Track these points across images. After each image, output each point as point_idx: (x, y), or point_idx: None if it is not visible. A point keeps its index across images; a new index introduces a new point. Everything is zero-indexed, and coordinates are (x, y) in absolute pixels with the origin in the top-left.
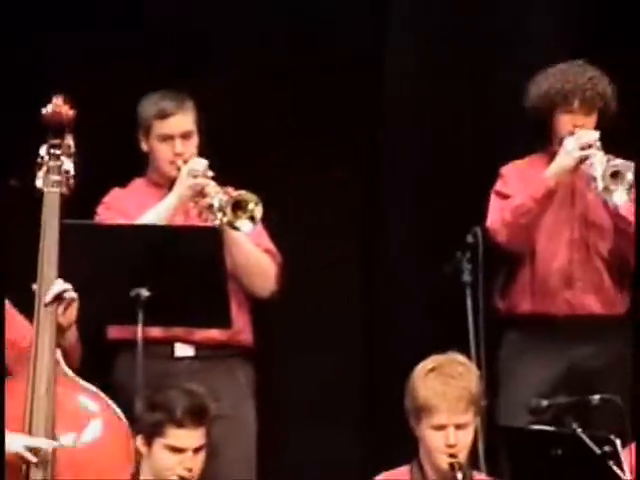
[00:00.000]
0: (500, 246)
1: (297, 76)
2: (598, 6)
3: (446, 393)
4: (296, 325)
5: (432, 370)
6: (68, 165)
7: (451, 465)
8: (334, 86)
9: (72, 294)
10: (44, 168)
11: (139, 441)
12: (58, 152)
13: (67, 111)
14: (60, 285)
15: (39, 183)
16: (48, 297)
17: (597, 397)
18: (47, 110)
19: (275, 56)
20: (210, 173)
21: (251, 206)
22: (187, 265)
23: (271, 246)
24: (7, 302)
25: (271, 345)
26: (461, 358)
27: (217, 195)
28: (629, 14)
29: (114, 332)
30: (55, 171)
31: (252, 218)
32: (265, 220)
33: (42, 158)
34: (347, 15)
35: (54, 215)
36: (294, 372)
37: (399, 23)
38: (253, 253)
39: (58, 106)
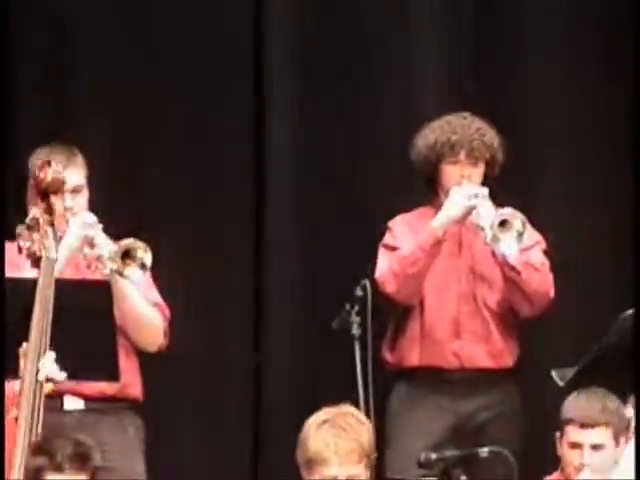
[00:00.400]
0: (389, 298)
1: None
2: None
3: (338, 446)
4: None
5: (324, 422)
6: None
7: None
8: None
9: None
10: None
11: None
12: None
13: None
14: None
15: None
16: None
17: (486, 450)
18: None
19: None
20: (99, 225)
21: (140, 253)
22: (76, 318)
23: (160, 300)
24: None
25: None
26: (353, 410)
27: (106, 245)
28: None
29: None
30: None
31: (142, 265)
32: (155, 274)
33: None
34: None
35: None
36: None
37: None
38: (142, 307)
39: (57, 172)
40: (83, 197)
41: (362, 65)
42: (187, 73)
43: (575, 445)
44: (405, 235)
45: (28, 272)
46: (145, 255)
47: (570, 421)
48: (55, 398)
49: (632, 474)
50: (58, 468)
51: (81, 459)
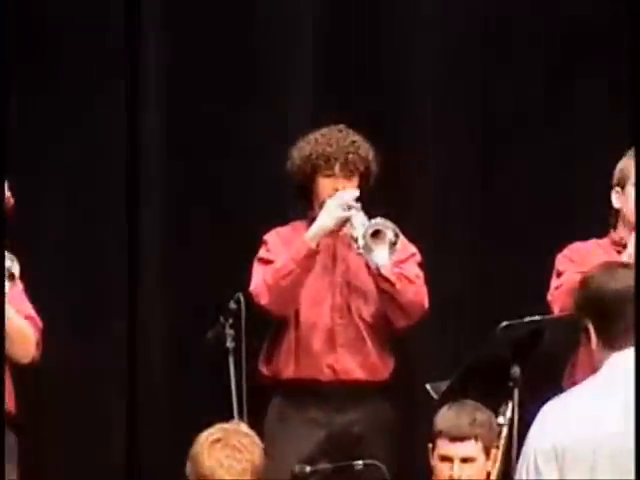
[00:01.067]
0: (264, 310)
1: None
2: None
3: (232, 466)
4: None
5: (218, 441)
6: None
7: None
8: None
9: None
10: None
11: None
12: None
13: None
14: None
15: None
16: None
17: (361, 463)
18: None
19: None
20: None
21: (8, 264)
22: None
23: (32, 312)
24: None
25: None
26: (245, 429)
27: None
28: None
29: None
30: None
31: (11, 276)
32: (25, 286)
33: None
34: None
35: None
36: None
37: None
38: (14, 320)
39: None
40: None
41: (234, 77)
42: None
43: (445, 458)
44: (279, 248)
45: None
46: (12, 265)
47: (440, 434)
48: None
49: None
50: None
51: None
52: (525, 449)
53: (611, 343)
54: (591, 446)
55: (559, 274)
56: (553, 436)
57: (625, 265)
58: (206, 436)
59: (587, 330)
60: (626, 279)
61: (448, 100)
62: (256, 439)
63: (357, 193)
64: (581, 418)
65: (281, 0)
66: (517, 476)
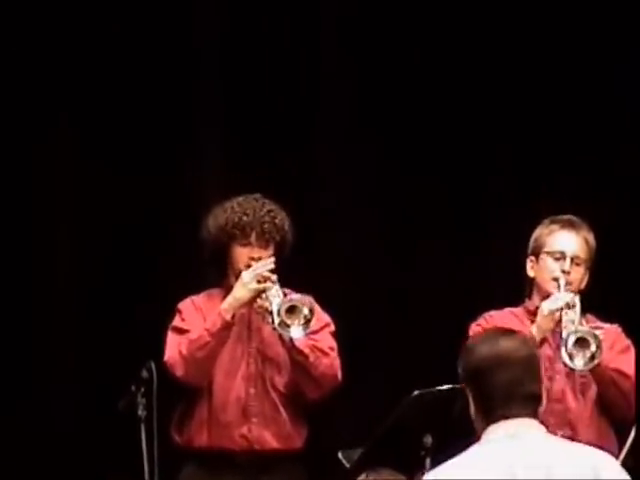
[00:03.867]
0: (177, 380)
1: None
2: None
3: None
4: None
5: None
6: None
7: None
8: None
9: None
10: None
11: None
12: None
13: None
14: None
15: None
16: None
17: None
18: None
19: None
20: None
21: None
22: None
23: None
24: None
25: None
26: None
27: None
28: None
29: None
30: None
31: None
32: None
33: None
34: None
35: None
36: None
37: None
38: None
39: None
40: None
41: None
42: None
43: None
44: (194, 318)
45: None
46: None
47: None
48: None
49: None
50: None
51: None
52: None
53: (487, 414)
54: None
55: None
56: None
57: (512, 332)
58: None
59: (467, 396)
60: (505, 347)
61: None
62: None
63: (272, 264)
64: None
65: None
66: None
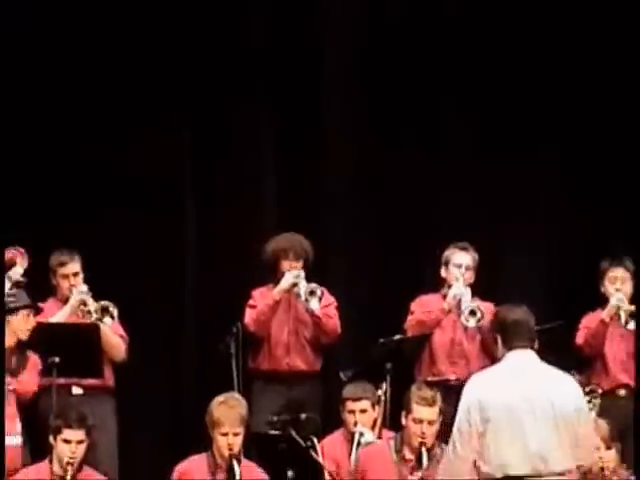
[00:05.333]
0: (251, 333)
1: None
2: None
3: (230, 416)
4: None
5: (222, 402)
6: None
7: (230, 455)
8: None
9: None
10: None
11: (51, 438)
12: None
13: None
14: None
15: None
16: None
17: (304, 415)
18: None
19: None
20: (90, 293)
21: (111, 309)
22: (78, 343)
23: (123, 332)
24: None
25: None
26: (237, 396)
27: (93, 304)
28: None
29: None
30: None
31: (112, 316)
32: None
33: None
34: None
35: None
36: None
37: None
38: (114, 339)
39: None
40: (79, 278)
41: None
42: None
43: (351, 411)
44: (259, 299)
45: None
46: (114, 310)
47: (347, 398)
48: (67, 388)
49: None
50: (68, 426)
51: (80, 421)
52: (461, 402)
53: (507, 346)
54: (504, 400)
55: (411, 313)
56: (478, 393)
57: (517, 305)
58: (215, 400)
59: (496, 339)
60: (518, 313)
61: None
62: (243, 401)
63: (302, 270)
64: (495, 383)
65: None
66: (457, 422)
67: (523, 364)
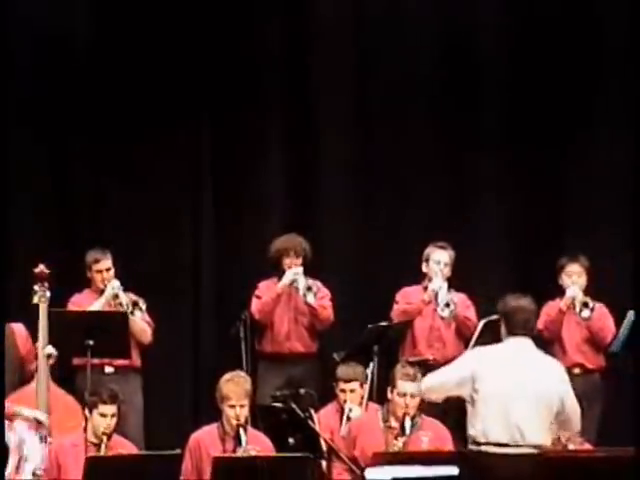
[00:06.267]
0: (256, 320)
1: None
2: None
3: (236, 390)
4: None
5: (229, 379)
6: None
7: (237, 425)
8: None
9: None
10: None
11: (87, 411)
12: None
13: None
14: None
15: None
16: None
17: (303, 390)
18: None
19: None
20: (121, 287)
21: (140, 304)
22: (110, 329)
23: (149, 319)
24: None
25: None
26: (242, 373)
27: (124, 297)
28: None
29: (76, 361)
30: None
31: (140, 310)
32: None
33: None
34: None
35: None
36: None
37: None
38: (141, 325)
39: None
40: (111, 273)
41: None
42: None
43: (343, 390)
44: (264, 290)
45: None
46: (143, 305)
47: (340, 379)
48: (100, 367)
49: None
50: (103, 402)
51: (112, 397)
52: (458, 366)
53: (508, 331)
54: (495, 377)
55: (396, 303)
56: (475, 365)
57: (523, 295)
58: (224, 377)
59: (501, 321)
60: (520, 302)
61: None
62: (247, 378)
63: (301, 267)
64: (491, 361)
65: None
66: (446, 377)
67: (518, 349)
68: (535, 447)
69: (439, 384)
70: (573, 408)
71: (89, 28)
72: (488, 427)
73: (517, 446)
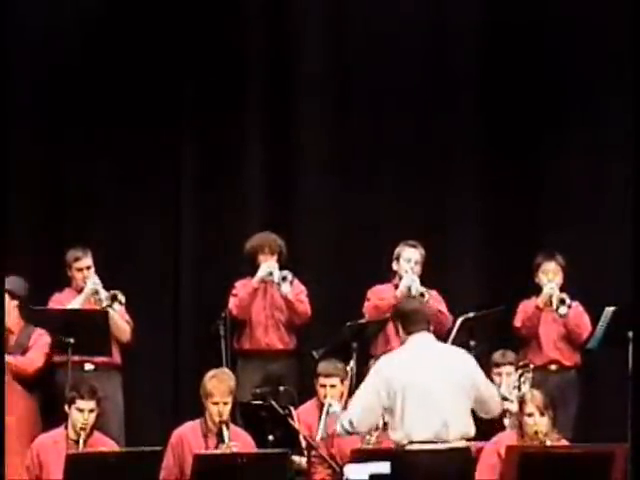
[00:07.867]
0: (234, 317)
1: None
2: None
3: (220, 387)
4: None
5: (213, 376)
6: None
7: (220, 422)
8: None
9: None
10: None
11: (66, 407)
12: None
13: None
14: None
15: None
16: None
17: (282, 388)
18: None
19: None
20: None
21: (119, 296)
22: (90, 327)
23: (129, 318)
24: None
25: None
26: (227, 371)
27: (104, 293)
28: None
29: (56, 359)
30: None
31: (120, 302)
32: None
33: None
34: None
35: None
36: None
37: None
38: (120, 323)
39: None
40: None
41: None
42: None
43: (323, 385)
44: (241, 288)
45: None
46: (122, 298)
47: (320, 374)
48: (80, 364)
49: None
50: (81, 397)
51: (91, 393)
52: (367, 383)
53: (407, 332)
54: (409, 376)
55: (368, 300)
56: (386, 373)
57: (415, 297)
58: (208, 374)
59: (397, 327)
60: (414, 303)
61: None
62: (232, 375)
63: (275, 262)
64: (402, 362)
65: None
66: (360, 400)
67: (424, 344)
68: (462, 438)
69: (368, 410)
70: (489, 392)
71: (75, 34)
72: (410, 428)
73: (443, 442)
